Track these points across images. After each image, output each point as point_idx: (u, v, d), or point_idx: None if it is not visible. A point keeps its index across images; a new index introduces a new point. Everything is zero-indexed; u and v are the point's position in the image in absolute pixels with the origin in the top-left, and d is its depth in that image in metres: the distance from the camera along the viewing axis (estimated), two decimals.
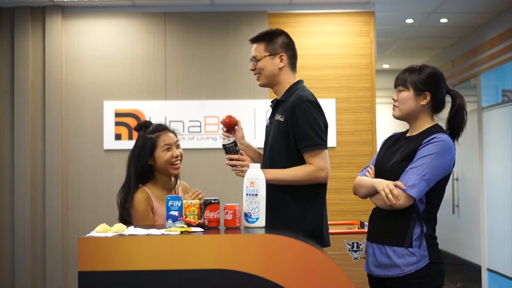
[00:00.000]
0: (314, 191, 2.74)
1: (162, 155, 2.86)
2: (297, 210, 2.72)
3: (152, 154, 2.87)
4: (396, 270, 2.46)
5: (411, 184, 2.40)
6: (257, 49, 2.83)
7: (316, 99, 2.76)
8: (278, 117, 2.77)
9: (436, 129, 2.52)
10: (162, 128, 2.93)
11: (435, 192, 2.48)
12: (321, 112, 2.74)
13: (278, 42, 2.82)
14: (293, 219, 2.71)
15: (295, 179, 2.67)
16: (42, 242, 5.36)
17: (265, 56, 2.80)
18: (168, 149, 2.88)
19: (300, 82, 2.85)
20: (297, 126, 2.68)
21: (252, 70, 2.85)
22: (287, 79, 2.83)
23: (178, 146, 2.94)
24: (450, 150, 2.45)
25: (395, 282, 2.48)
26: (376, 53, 5.65)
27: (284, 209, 2.72)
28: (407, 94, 2.53)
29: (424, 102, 2.52)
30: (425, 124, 2.55)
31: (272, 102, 2.93)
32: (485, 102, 6.59)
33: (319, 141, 2.67)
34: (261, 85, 2.88)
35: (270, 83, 2.85)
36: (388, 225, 2.50)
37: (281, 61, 2.81)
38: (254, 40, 2.86)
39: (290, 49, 2.84)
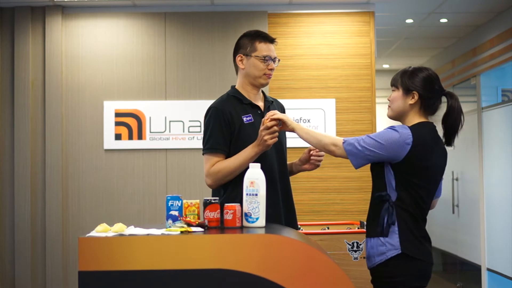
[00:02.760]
0: None
1: None
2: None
3: None
4: (371, 261, 2.51)
5: (351, 141, 2.48)
6: (275, 52, 2.84)
7: None
8: None
9: (414, 125, 2.51)
10: None
11: (402, 184, 2.45)
12: None
13: None
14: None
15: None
16: (42, 242, 5.36)
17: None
18: None
19: None
20: None
21: (272, 69, 2.81)
22: None
23: None
24: (393, 136, 2.44)
25: (372, 274, 2.53)
26: (376, 53, 5.65)
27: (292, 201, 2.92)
28: (397, 94, 2.58)
29: (412, 101, 2.54)
30: (412, 123, 2.55)
31: (248, 104, 2.83)
32: (485, 102, 6.59)
33: None
34: (265, 86, 2.89)
35: None
36: (368, 217, 2.57)
37: None
38: (274, 41, 2.86)
39: None
